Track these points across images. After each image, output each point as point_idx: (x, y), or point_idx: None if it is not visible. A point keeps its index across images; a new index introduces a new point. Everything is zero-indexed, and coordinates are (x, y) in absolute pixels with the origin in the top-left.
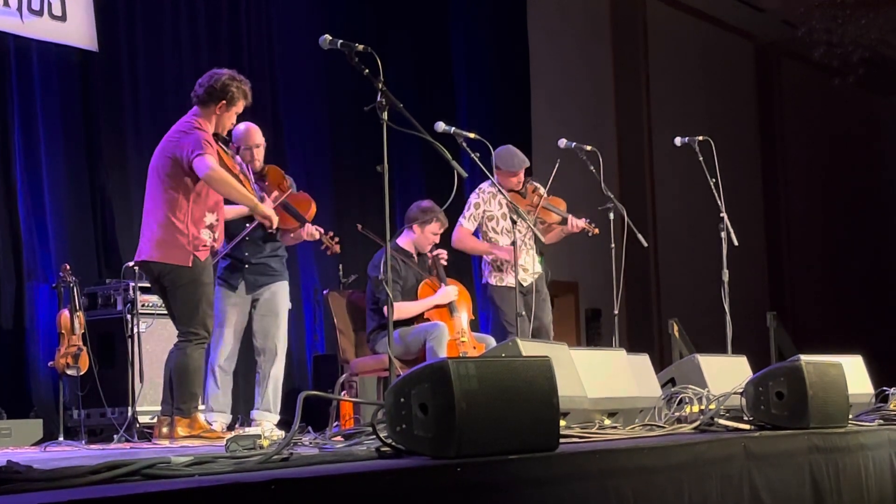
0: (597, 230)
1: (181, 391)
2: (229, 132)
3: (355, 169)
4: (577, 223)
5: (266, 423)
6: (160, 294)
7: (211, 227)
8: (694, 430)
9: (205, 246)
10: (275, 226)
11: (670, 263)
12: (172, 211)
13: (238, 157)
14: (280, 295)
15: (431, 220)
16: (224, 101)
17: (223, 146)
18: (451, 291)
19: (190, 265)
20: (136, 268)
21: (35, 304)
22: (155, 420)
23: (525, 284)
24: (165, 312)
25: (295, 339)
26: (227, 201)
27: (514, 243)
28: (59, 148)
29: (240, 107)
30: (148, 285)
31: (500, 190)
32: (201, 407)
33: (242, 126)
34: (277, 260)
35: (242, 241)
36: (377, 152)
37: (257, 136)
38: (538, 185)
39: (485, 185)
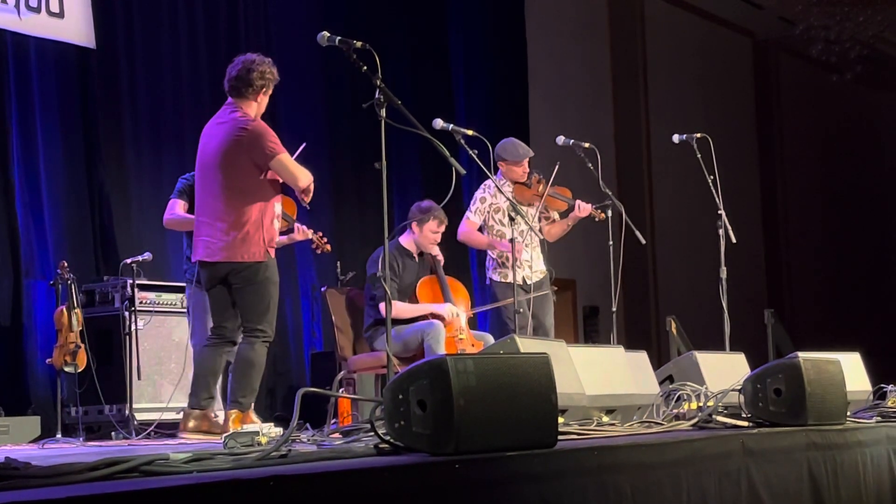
0: (603, 215)
1: (242, 385)
2: None
3: (353, 166)
4: (585, 206)
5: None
6: (220, 294)
7: (278, 217)
8: (692, 426)
9: (276, 241)
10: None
11: (668, 261)
12: (246, 209)
13: None
14: None
15: (429, 218)
16: (265, 88)
17: None
18: (451, 309)
19: (265, 259)
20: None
21: (33, 301)
22: (180, 415)
23: (529, 282)
24: (164, 310)
25: (292, 336)
26: None
27: (512, 240)
28: (57, 145)
29: (272, 89)
30: (147, 283)
31: (499, 189)
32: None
33: None
34: None
35: None
36: (375, 149)
37: None
38: (543, 176)
39: (489, 182)
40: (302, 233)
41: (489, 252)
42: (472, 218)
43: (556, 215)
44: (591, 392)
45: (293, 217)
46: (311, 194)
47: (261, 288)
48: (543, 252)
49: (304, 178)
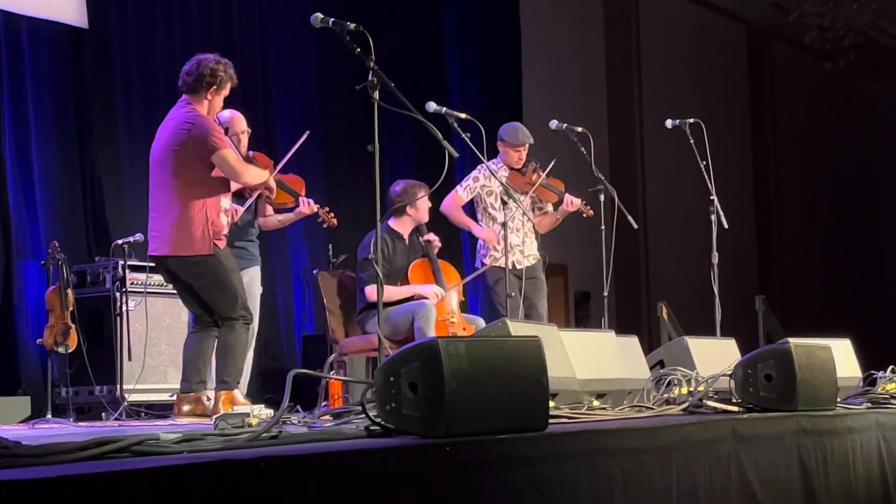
0: (591, 212)
1: (226, 365)
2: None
3: (346, 148)
4: (574, 201)
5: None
6: (183, 290)
7: (226, 212)
8: (682, 411)
9: (224, 234)
10: (273, 195)
11: (660, 246)
12: (189, 204)
13: (220, 117)
14: (256, 279)
15: (416, 192)
16: (214, 87)
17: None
18: (436, 290)
19: (212, 253)
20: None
21: (24, 281)
22: (172, 397)
23: (519, 267)
24: (155, 291)
25: (284, 318)
26: None
27: (504, 224)
28: (49, 125)
29: (227, 90)
30: (138, 263)
31: (493, 174)
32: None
33: (227, 113)
34: (254, 245)
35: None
36: (368, 132)
37: (242, 123)
38: (538, 165)
39: (490, 163)
40: (308, 206)
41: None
42: (461, 193)
43: (549, 207)
44: (582, 376)
45: (300, 193)
46: (273, 191)
47: (219, 279)
48: (536, 237)
49: (249, 175)
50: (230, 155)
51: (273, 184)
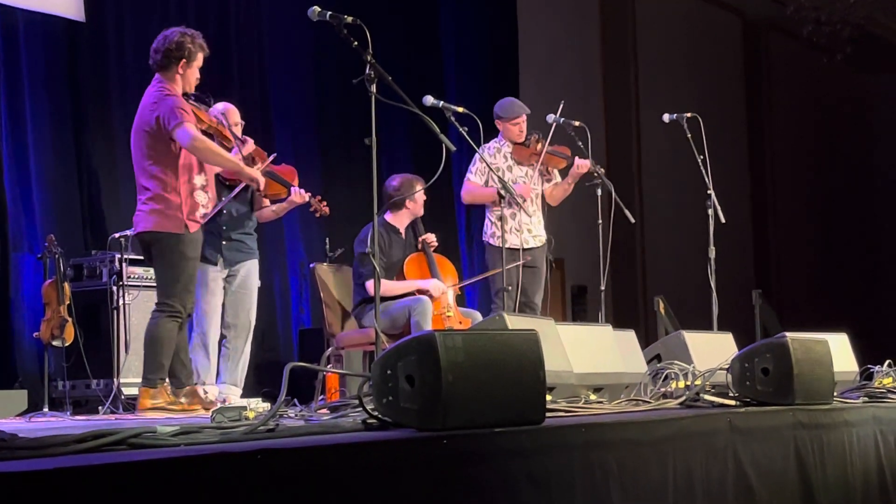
0: (602, 169)
1: (149, 361)
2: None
3: (343, 142)
4: (584, 162)
5: (232, 397)
6: (151, 264)
7: (204, 189)
8: (679, 405)
9: (201, 215)
10: (261, 188)
11: (657, 240)
12: (162, 182)
13: (214, 110)
14: (254, 273)
15: (413, 186)
16: (184, 60)
17: (196, 104)
18: (438, 286)
19: (181, 232)
20: (128, 240)
21: (20, 274)
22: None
23: (526, 247)
24: (151, 284)
25: (281, 312)
26: None
27: (501, 218)
28: (46, 118)
29: (200, 60)
30: (135, 257)
31: (489, 166)
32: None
33: (221, 106)
34: (252, 238)
35: (220, 213)
36: (365, 125)
37: (235, 115)
38: (541, 135)
39: (490, 144)
40: (300, 196)
41: (488, 214)
42: (473, 178)
43: (557, 176)
44: (579, 370)
45: (292, 183)
46: (258, 185)
47: (172, 262)
48: (545, 215)
49: (208, 151)
50: (189, 127)
51: (256, 174)
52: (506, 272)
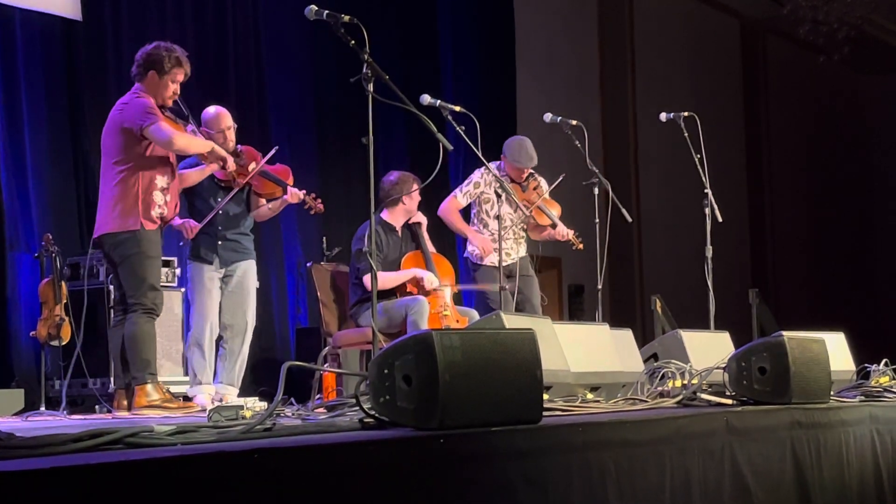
0: (581, 245)
1: (135, 360)
2: (180, 105)
3: (340, 141)
4: (565, 232)
5: (229, 397)
6: (114, 271)
7: (163, 191)
8: (676, 404)
9: (158, 215)
10: (230, 167)
11: (654, 239)
12: (123, 181)
13: (191, 128)
14: (251, 273)
15: (411, 183)
16: (154, 71)
17: (172, 116)
18: (432, 278)
19: (138, 229)
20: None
21: (17, 273)
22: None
23: (505, 263)
24: None
25: (277, 311)
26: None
27: (498, 217)
28: (42, 118)
29: (176, 75)
30: None
31: (497, 178)
32: (178, 379)
33: (212, 109)
34: (248, 238)
35: (216, 214)
36: (362, 124)
37: (227, 119)
38: (542, 181)
39: (493, 165)
40: (294, 195)
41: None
42: (459, 198)
43: (544, 219)
44: (576, 369)
45: (287, 182)
46: (222, 160)
47: (134, 262)
48: (526, 241)
49: (183, 141)
50: (162, 125)
51: (225, 154)
52: (501, 274)
